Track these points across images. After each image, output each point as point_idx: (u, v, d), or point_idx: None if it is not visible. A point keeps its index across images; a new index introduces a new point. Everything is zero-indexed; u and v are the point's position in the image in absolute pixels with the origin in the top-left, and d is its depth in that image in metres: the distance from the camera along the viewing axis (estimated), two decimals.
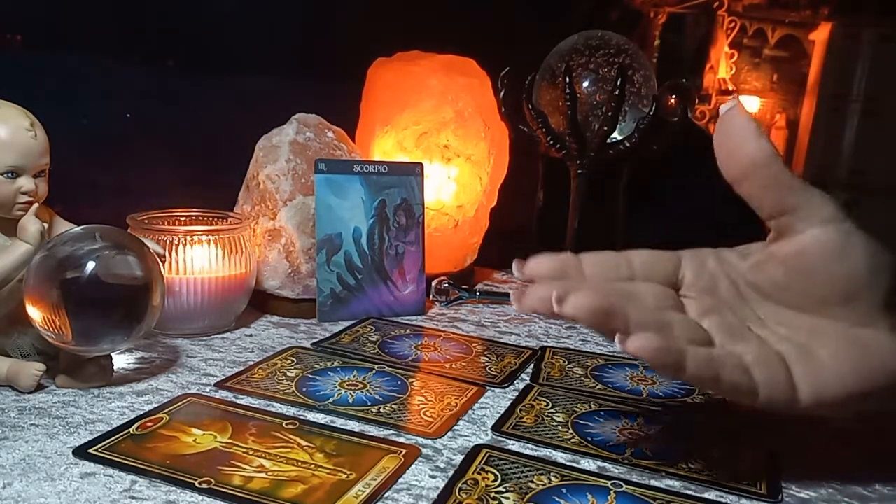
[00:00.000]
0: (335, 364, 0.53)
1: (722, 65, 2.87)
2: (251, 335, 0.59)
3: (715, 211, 0.92)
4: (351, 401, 0.47)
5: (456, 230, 0.75)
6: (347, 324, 0.63)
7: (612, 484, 0.39)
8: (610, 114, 0.74)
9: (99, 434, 0.40)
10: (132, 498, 0.35)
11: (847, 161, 2.46)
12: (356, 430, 0.43)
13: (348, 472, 0.38)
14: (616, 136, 0.77)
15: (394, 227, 0.66)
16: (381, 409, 0.46)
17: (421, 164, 0.68)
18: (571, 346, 0.62)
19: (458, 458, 0.40)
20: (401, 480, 0.38)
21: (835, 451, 0.45)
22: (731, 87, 2.87)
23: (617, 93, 0.73)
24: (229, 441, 0.40)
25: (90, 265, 0.43)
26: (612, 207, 0.83)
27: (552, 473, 0.39)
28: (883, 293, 0.37)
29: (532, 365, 0.56)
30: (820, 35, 2.59)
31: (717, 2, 2.82)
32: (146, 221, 0.59)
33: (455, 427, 0.45)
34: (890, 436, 0.47)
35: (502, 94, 0.79)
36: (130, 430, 0.41)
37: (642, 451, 0.43)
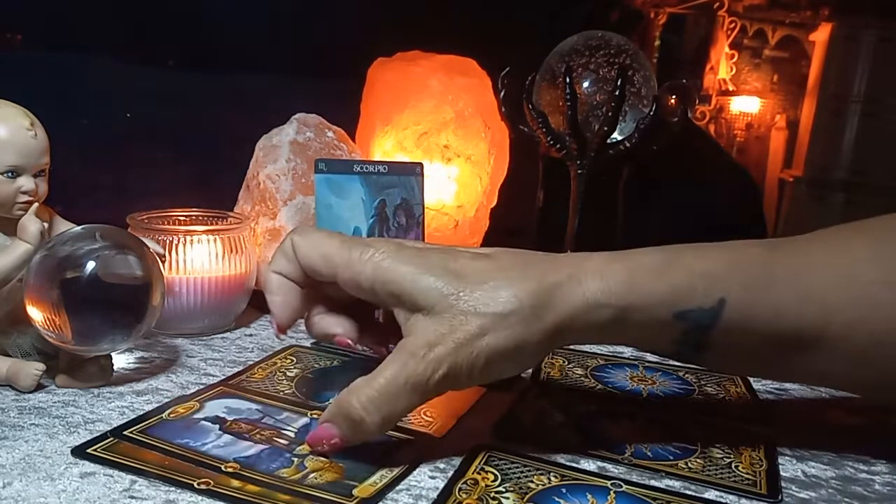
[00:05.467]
0: (335, 363, 0.53)
1: (722, 65, 2.87)
2: (251, 335, 0.59)
3: (715, 211, 0.92)
4: None
5: (456, 230, 0.75)
6: None
7: (611, 484, 0.38)
8: (610, 114, 0.74)
9: (98, 434, 0.40)
10: (132, 498, 0.35)
11: (847, 161, 2.47)
12: None
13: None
14: (616, 136, 0.77)
15: (394, 227, 0.66)
16: None
17: (421, 164, 0.68)
18: (571, 347, 0.62)
19: (458, 458, 0.40)
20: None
21: (835, 450, 0.45)
22: (731, 88, 2.87)
23: (617, 93, 0.73)
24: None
25: (90, 265, 0.43)
26: (612, 207, 0.83)
27: (552, 473, 0.39)
28: None
29: None
30: (820, 36, 2.60)
31: (718, 2, 2.82)
32: (146, 221, 0.59)
33: (455, 427, 0.44)
34: (891, 436, 0.47)
35: (502, 94, 0.79)
36: (130, 430, 0.41)
37: (642, 451, 0.43)
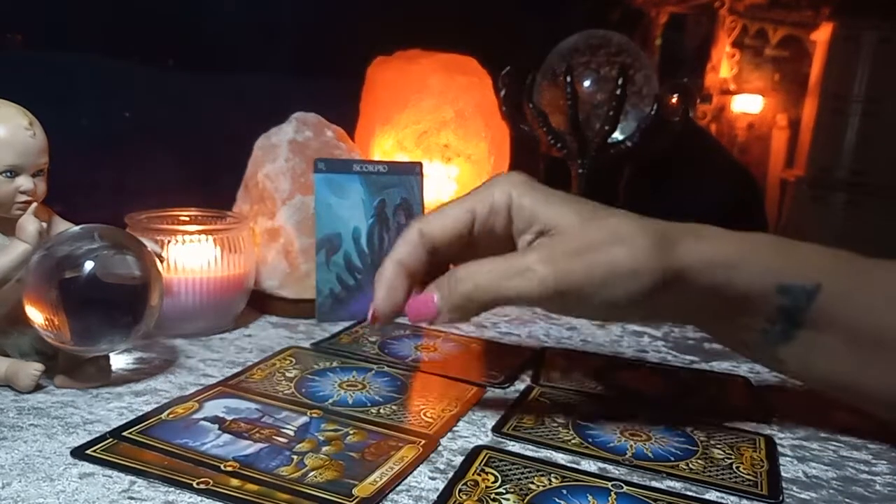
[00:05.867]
0: (334, 364, 0.53)
1: (723, 64, 2.87)
2: (250, 335, 0.59)
3: (716, 210, 0.92)
4: (350, 402, 0.47)
5: None
6: (347, 324, 0.63)
7: (612, 485, 0.38)
8: (611, 113, 0.73)
9: (98, 434, 0.40)
10: (131, 498, 0.35)
11: (847, 161, 2.46)
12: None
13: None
14: (617, 135, 0.77)
15: (393, 227, 0.66)
16: (381, 410, 0.46)
17: (420, 164, 0.68)
18: (572, 347, 0.62)
19: (458, 459, 0.40)
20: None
21: (836, 451, 0.45)
22: (732, 87, 2.87)
23: (618, 92, 0.72)
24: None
25: (89, 265, 0.43)
26: (613, 207, 0.83)
27: (552, 475, 0.39)
28: None
29: (532, 365, 0.56)
30: (821, 35, 2.59)
31: (719, 1, 2.82)
32: (145, 221, 0.59)
33: (455, 428, 0.44)
34: (892, 436, 0.47)
35: (503, 93, 0.79)
36: (129, 430, 0.41)
37: (643, 451, 0.43)
